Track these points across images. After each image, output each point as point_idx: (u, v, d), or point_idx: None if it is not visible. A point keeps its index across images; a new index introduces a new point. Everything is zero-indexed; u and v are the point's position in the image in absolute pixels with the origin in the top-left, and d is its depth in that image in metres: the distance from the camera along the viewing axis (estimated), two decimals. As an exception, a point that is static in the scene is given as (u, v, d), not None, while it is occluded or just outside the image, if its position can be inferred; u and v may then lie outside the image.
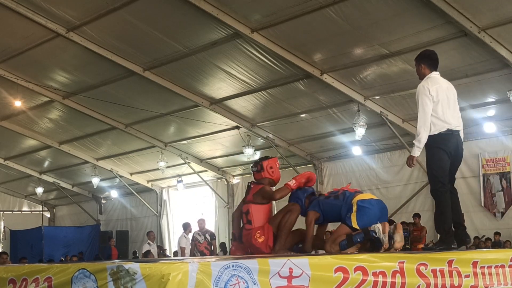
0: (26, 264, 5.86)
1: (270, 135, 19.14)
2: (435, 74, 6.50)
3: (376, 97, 16.05)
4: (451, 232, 6.35)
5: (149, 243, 18.10)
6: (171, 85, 16.88)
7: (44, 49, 16.08)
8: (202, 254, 15.84)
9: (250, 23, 13.71)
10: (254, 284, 4.10)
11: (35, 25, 14.91)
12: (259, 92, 16.62)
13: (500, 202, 16.63)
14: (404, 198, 18.23)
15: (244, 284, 4.05)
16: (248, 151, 19.28)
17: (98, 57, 15.90)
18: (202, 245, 16.31)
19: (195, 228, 17.13)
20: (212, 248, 16.41)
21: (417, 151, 6.37)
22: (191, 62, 15.63)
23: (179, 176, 23.76)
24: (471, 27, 12.35)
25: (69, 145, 22.85)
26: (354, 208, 6.64)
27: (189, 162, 22.28)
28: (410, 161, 6.47)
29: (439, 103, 6.27)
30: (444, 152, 6.29)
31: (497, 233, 16.09)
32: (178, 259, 6.00)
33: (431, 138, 6.30)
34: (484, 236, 16.24)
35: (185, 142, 21.07)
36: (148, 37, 14.84)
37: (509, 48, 13.04)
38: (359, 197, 6.76)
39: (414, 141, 6.37)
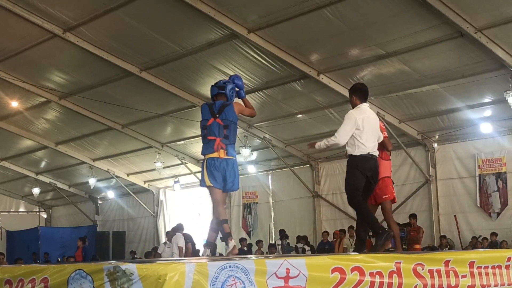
0: (22, 265, 5.84)
1: (267, 136, 19.14)
2: (365, 106, 7.53)
3: (373, 98, 16.03)
4: (383, 230, 7.23)
5: (165, 243, 17.73)
6: (168, 85, 16.87)
7: (41, 49, 16.06)
8: None
9: (247, 24, 13.71)
10: (251, 284, 4.09)
11: (32, 26, 14.88)
12: (256, 93, 16.61)
13: (495, 202, 16.65)
14: (401, 198, 18.17)
15: (241, 285, 4.04)
16: (245, 151, 19.28)
17: (94, 58, 15.89)
18: None
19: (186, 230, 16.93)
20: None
21: (318, 146, 7.56)
22: (187, 62, 15.63)
23: (176, 176, 23.74)
24: (467, 27, 12.37)
25: (65, 146, 22.81)
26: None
27: (185, 163, 22.26)
28: (310, 145, 7.73)
29: (364, 131, 7.25)
30: (360, 172, 7.25)
31: (493, 234, 16.12)
32: (175, 260, 5.99)
33: (353, 158, 7.29)
34: (480, 236, 16.26)
35: (181, 142, 21.06)
36: (144, 37, 14.83)
37: (505, 48, 13.06)
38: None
39: (325, 140, 7.45)
